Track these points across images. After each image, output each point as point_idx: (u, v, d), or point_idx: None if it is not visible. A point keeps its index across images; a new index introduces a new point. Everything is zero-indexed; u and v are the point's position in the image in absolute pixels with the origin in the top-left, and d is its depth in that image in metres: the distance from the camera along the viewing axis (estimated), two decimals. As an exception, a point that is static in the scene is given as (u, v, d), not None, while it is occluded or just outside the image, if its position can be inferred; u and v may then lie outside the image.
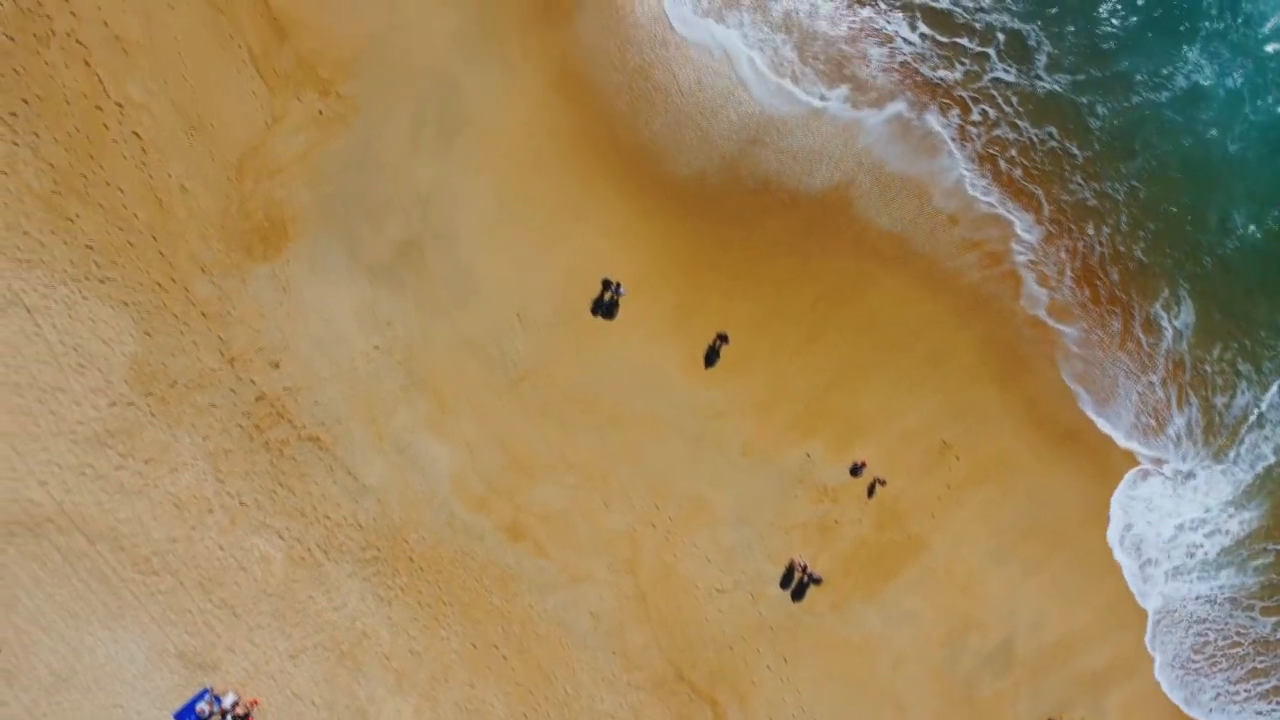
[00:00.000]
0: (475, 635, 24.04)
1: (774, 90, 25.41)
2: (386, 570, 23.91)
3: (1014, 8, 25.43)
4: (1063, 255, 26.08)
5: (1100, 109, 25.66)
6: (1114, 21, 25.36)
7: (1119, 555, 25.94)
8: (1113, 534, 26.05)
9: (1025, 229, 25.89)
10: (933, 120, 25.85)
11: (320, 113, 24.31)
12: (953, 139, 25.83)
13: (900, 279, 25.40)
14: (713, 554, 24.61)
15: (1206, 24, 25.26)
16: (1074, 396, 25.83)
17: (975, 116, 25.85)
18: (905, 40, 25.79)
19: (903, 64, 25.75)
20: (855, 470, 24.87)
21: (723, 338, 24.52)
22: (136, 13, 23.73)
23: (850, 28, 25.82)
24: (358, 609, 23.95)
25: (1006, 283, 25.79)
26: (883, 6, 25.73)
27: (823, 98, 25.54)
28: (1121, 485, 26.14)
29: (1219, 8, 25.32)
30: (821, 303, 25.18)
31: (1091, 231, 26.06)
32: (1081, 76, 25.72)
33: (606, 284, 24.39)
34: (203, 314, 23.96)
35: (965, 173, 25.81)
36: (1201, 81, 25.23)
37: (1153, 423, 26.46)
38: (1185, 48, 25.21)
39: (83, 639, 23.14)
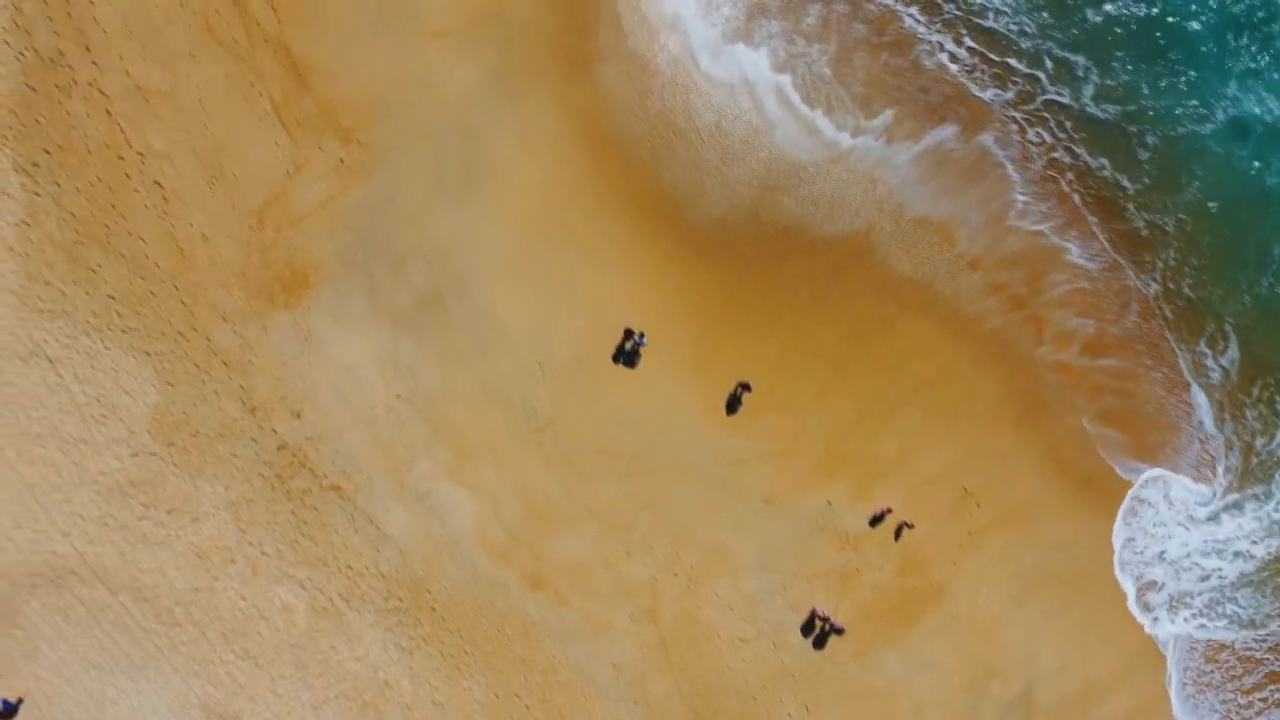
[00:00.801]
0: (498, 685, 24.03)
1: (799, 128, 25.18)
2: (409, 620, 23.89)
3: (1060, 36, 25.32)
4: (1118, 286, 26.24)
5: (1149, 139, 25.56)
6: (1159, 53, 25.38)
7: (1132, 600, 25.89)
8: (1127, 578, 26.04)
9: (1083, 257, 25.90)
10: (989, 140, 25.82)
11: (341, 161, 24.27)
12: (1011, 160, 25.67)
13: (921, 325, 25.33)
14: (735, 602, 24.60)
15: (1244, 61, 25.27)
16: (1095, 442, 25.83)
17: (1033, 137, 25.81)
18: (953, 55, 25.69)
19: (953, 81, 25.59)
20: (877, 518, 24.88)
21: (745, 386, 24.49)
22: (158, 62, 23.69)
23: (894, 37, 25.55)
24: (380, 659, 23.94)
25: (1028, 328, 25.71)
26: (927, 20, 25.49)
27: (855, 131, 25.34)
28: (1136, 521, 26.12)
29: (1257, 46, 25.31)
30: (842, 349, 25.11)
31: (1146, 263, 26.17)
32: (1131, 107, 25.49)
33: (629, 333, 24.35)
34: (224, 363, 23.93)
35: (1020, 197, 25.52)
36: (1242, 115, 25.27)
37: (1190, 466, 26.39)
38: (1225, 82, 25.22)
39: (106, 691, 23.11)
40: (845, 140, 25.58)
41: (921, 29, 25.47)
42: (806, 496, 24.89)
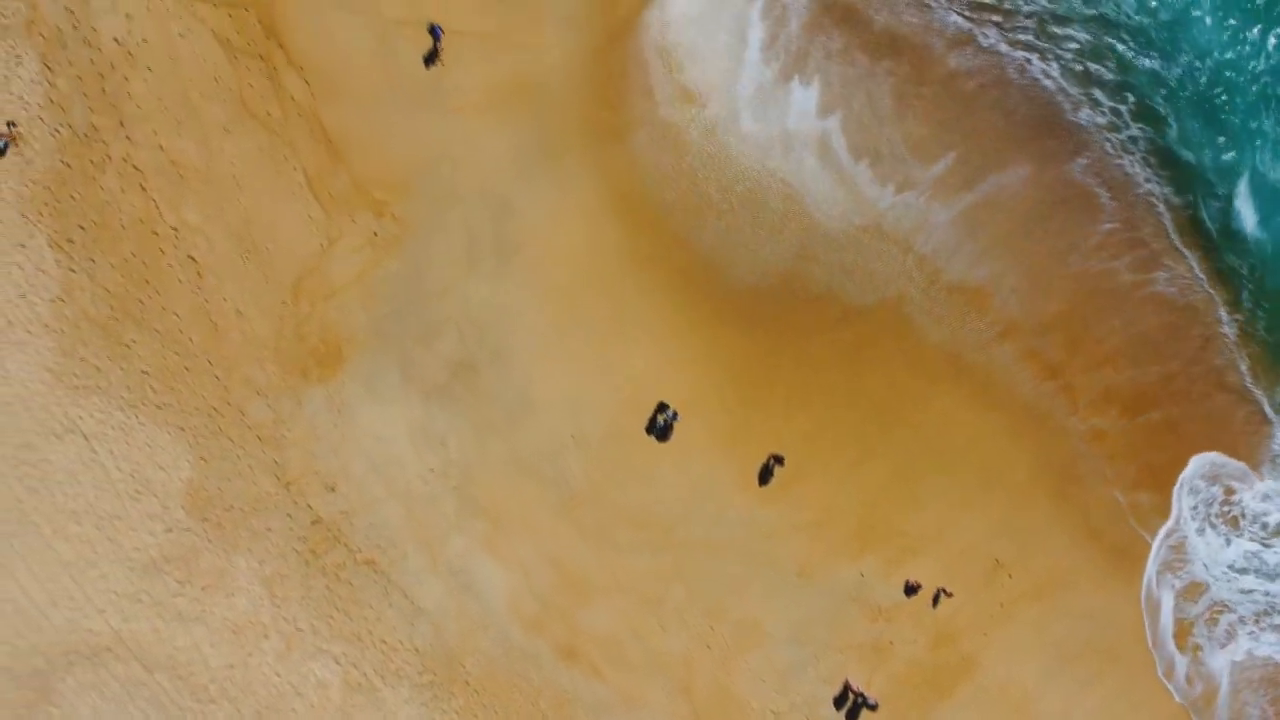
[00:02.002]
0: (531, 759, 24.03)
1: (837, 187, 24.53)
2: (443, 694, 23.84)
3: (1134, 81, 25.58)
4: (1192, 329, 26.20)
5: (1228, 179, 25.94)
6: (1227, 95, 25.79)
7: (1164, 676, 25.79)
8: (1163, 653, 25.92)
9: (1168, 285, 25.81)
10: (1077, 169, 25.48)
11: (375, 234, 24.23)
12: (1105, 188, 25.53)
13: (953, 395, 25.21)
14: (767, 675, 24.53)
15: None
16: (1127, 511, 25.74)
17: (1126, 166, 25.79)
18: (1045, 71, 25.56)
19: (1046, 103, 25.45)
20: (910, 590, 24.82)
21: (778, 459, 24.42)
22: (192, 137, 23.65)
23: (975, 60, 25.38)
24: (414, 733, 23.95)
25: (1061, 397, 25.58)
26: (1012, 39, 25.44)
27: (900, 186, 25.02)
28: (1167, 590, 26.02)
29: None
30: (874, 421, 25.02)
31: (1229, 302, 26.31)
32: (1207, 152, 25.87)
33: (662, 407, 24.28)
34: (258, 437, 23.89)
35: (1107, 226, 25.39)
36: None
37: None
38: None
39: (141, 767, 23.13)
40: (886, 198, 25.29)
41: (1005, 46, 25.37)
42: (839, 568, 24.82)
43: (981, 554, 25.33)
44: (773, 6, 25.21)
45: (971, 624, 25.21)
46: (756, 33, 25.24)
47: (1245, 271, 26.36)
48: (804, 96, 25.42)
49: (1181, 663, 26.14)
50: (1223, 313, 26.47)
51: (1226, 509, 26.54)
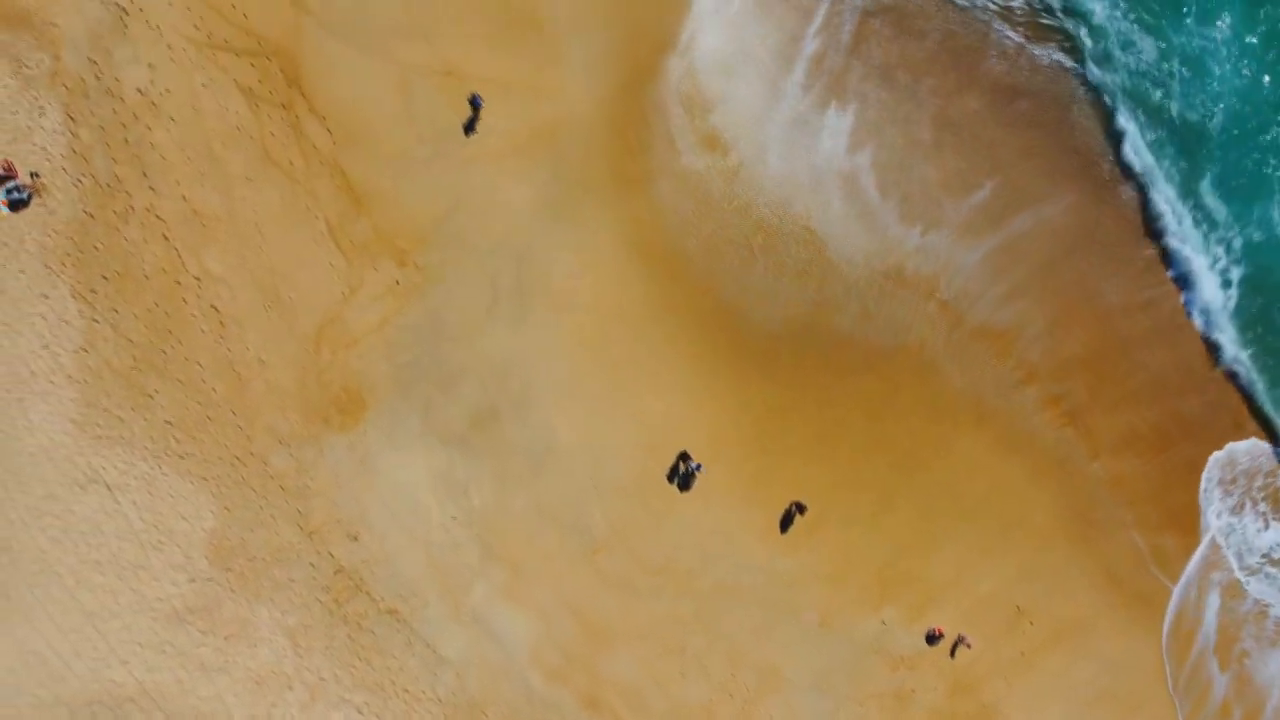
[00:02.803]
0: (554, 809, 24.02)
1: (863, 227, 24.41)
2: (465, 744, 23.91)
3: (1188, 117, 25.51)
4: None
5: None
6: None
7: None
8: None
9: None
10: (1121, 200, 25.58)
11: (397, 283, 24.21)
12: (1141, 221, 25.51)
13: (974, 440, 25.17)
14: (789, 724, 24.61)
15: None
16: (1148, 556, 25.77)
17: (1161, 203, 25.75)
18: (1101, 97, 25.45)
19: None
20: (931, 639, 24.84)
21: (800, 507, 24.40)
22: (215, 187, 23.62)
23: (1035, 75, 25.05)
24: (436, 782, 23.94)
25: (1082, 443, 25.68)
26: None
27: (929, 225, 24.78)
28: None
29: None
30: (895, 469, 25.01)
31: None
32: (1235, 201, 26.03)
33: (685, 458, 24.32)
34: (281, 487, 23.90)
35: (1147, 257, 25.78)
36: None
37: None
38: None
39: (164, 818, 23.14)
40: (913, 239, 25.10)
41: (1064, 63, 25.14)
42: (860, 617, 24.83)
43: (1003, 601, 25.32)
44: (829, 24, 24.95)
45: (993, 672, 25.21)
46: (808, 49, 24.88)
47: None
48: (838, 125, 25.13)
49: (1221, 683, 25.90)
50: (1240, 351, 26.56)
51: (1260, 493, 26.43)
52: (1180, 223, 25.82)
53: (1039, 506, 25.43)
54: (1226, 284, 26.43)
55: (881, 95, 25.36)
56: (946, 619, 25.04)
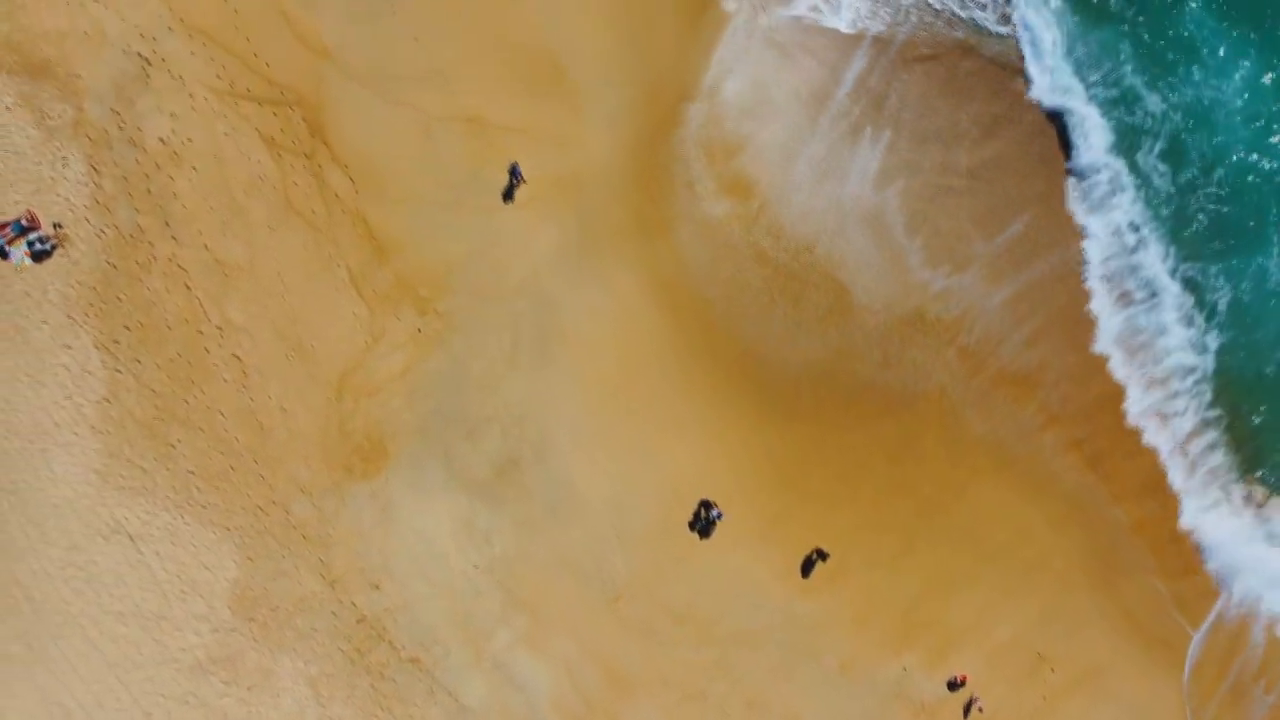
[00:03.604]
0: None
1: (887, 269, 24.11)
2: (487, 793, 23.90)
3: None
4: None
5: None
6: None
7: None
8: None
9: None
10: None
11: (419, 331, 24.24)
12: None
13: (995, 486, 25.12)
14: (810, 771, 24.61)
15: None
16: (1169, 601, 25.81)
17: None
18: None
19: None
20: (953, 685, 24.87)
21: (822, 555, 24.43)
22: (237, 236, 23.64)
23: None
24: (458, 832, 23.92)
25: (1103, 487, 25.76)
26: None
27: (955, 266, 24.72)
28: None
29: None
30: (916, 514, 24.97)
31: None
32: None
33: (707, 505, 24.36)
34: (303, 536, 23.91)
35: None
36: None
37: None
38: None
39: None
40: (938, 281, 25.01)
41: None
42: (881, 663, 24.85)
43: (1024, 646, 25.33)
44: (856, 71, 25.03)
45: (1015, 717, 25.27)
46: (833, 95, 24.82)
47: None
48: (864, 167, 24.96)
49: (1263, 706, 25.77)
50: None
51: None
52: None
53: (1060, 551, 25.44)
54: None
55: (908, 137, 25.35)
56: (968, 664, 25.05)
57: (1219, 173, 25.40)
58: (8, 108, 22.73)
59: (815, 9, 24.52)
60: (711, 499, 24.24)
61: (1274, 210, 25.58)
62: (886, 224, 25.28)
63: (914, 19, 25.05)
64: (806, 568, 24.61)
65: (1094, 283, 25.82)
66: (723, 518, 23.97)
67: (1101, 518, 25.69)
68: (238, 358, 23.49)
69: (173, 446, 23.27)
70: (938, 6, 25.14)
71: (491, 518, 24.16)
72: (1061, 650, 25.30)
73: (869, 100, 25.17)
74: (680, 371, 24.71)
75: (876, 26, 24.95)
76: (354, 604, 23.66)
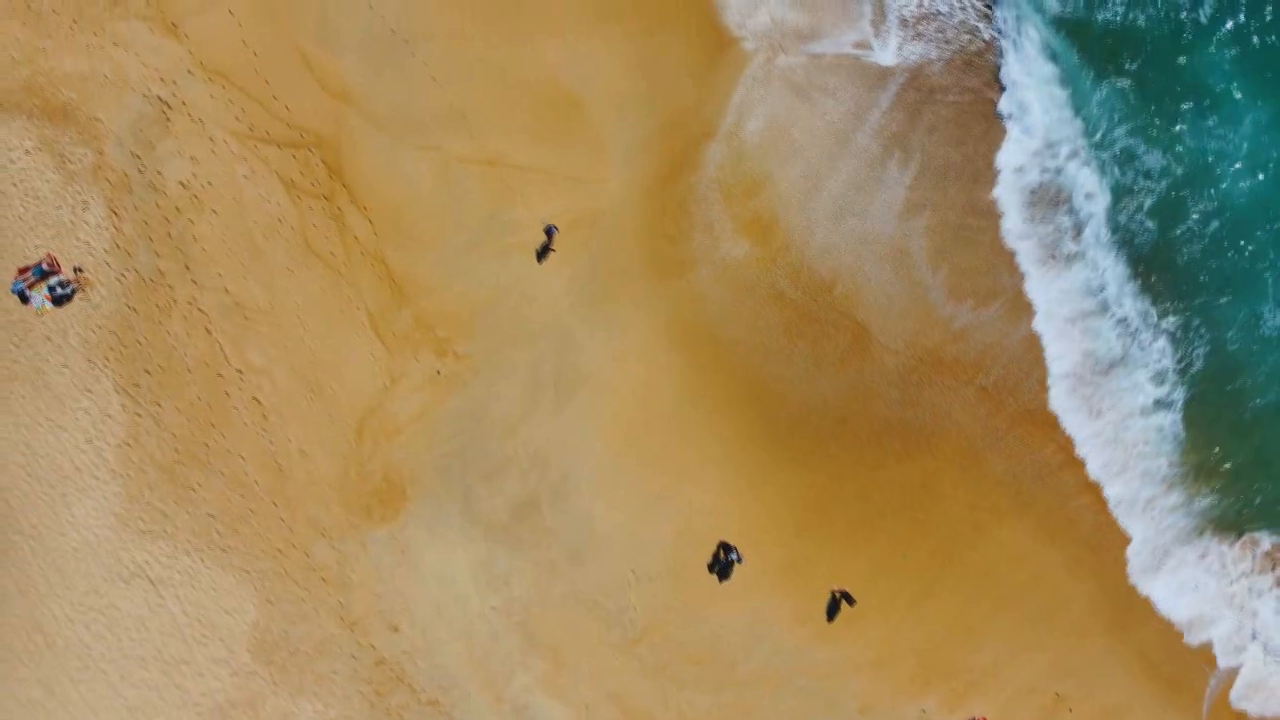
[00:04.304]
0: None
1: (908, 305, 24.32)
2: (507, 836, 23.92)
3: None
4: None
5: None
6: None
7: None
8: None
9: None
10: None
11: (438, 373, 24.26)
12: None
13: (1014, 530, 25.05)
14: (830, 814, 24.61)
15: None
16: (1185, 639, 25.87)
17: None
18: None
19: None
20: (973, 728, 24.89)
21: (848, 598, 24.31)
22: (257, 279, 23.67)
23: None
24: None
25: (1118, 529, 25.82)
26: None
27: (981, 299, 24.66)
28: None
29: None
30: (935, 557, 24.95)
31: None
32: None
33: (727, 548, 24.38)
34: (323, 579, 23.95)
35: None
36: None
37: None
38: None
39: None
40: (961, 316, 24.88)
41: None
42: (901, 706, 24.81)
43: (1043, 690, 25.29)
44: (881, 110, 24.98)
45: (1033, 760, 25.29)
46: (857, 134, 24.81)
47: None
48: (890, 194, 24.84)
49: None
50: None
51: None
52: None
53: (1078, 593, 25.37)
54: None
55: (929, 174, 25.32)
56: (987, 706, 25.03)
57: (1214, 224, 25.29)
58: (28, 151, 22.77)
59: (861, 44, 24.44)
60: (731, 541, 24.24)
61: (1271, 255, 25.42)
62: (907, 261, 25.20)
63: (938, 65, 25.10)
64: (832, 610, 24.63)
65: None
66: (743, 562, 23.97)
67: (1118, 560, 25.69)
68: (257, 400, 23.51)
69: (193, 490, 23.31)
70: (960, 56, 25.22)
71: (510, 560, 24.17)
72: (1079, 691, 25.28)
73: (889, 139, 25.11)
74: (698, 413, 24.68)
75: (906, 63, 24.97)
76: (373, 647, 23.69)
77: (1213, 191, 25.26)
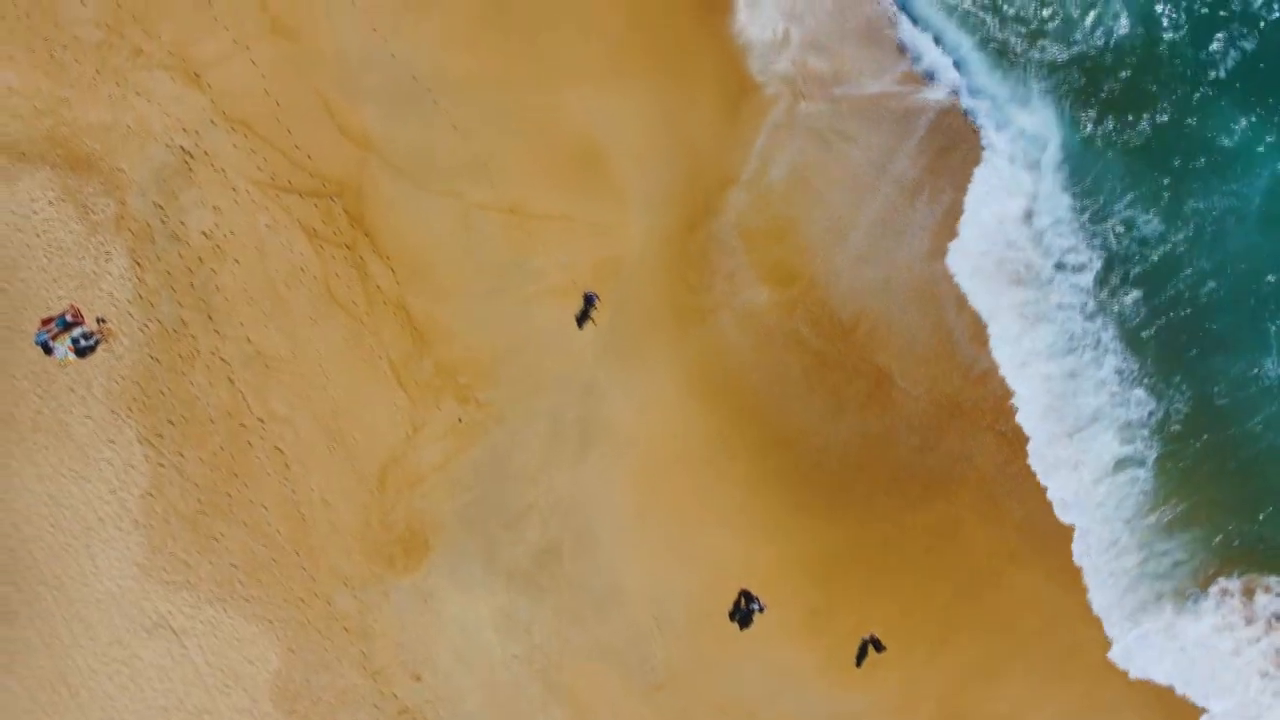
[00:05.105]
0: None
1: (927, 361, 24.82)
2: None
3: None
4: None
5: None
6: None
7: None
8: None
9: None
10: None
11: (460, 421, 24.29)
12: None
13: (1030, 576, 24.89)
14: None
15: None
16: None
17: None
18: None
19: None
20: (992, 776, 24.95)
21: (877, 644, 24.24)
22: (279, 329, 23.68)
23: None
24: None
25: (1132, 573, 25.88)
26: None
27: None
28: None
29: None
30: (954, 604, 24.93)
31: None
32: None
33: (748, 597, 24.43)
34: (345, 628, 24.00)
35: None
36: None
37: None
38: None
39: None
40: (982, 360, 24.97)
41: None
42: (921, 753, 25.00)
43: (1063, 735, 25.51)
44: (903, 158, 25.10)
45: (1054, 807, 25.38)
46: (882, 184, 24.89)
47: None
48: (912, 238, 24.95)
49: None
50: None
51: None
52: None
53: (1094, 640, 25.50)
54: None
55: (950, 218, 25.39)
56: (1008, 754, 25.18)
57: (1211, 284, 25.07)
58: (51, 202, 22.81)
59: (907, 80, 24.44)
60: (752, 589, 24.32)
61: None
62: (931, 305, 25.28)
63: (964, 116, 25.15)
64: (860, 655, 24.72)
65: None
66: (764, 610, 24.04)
67: (1137, 605, 25.76)
68: (280, 450, 23.55)
69: (216, 540, 23.36)
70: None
71: (532, 608, 24.22)
72: (1099, 738, 25.42)
73: (911, 184, 25.19)
74: (719, 460, 24.73)
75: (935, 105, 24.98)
76: (395, 695, 23.75)
77: (1220, 248, 25.21)
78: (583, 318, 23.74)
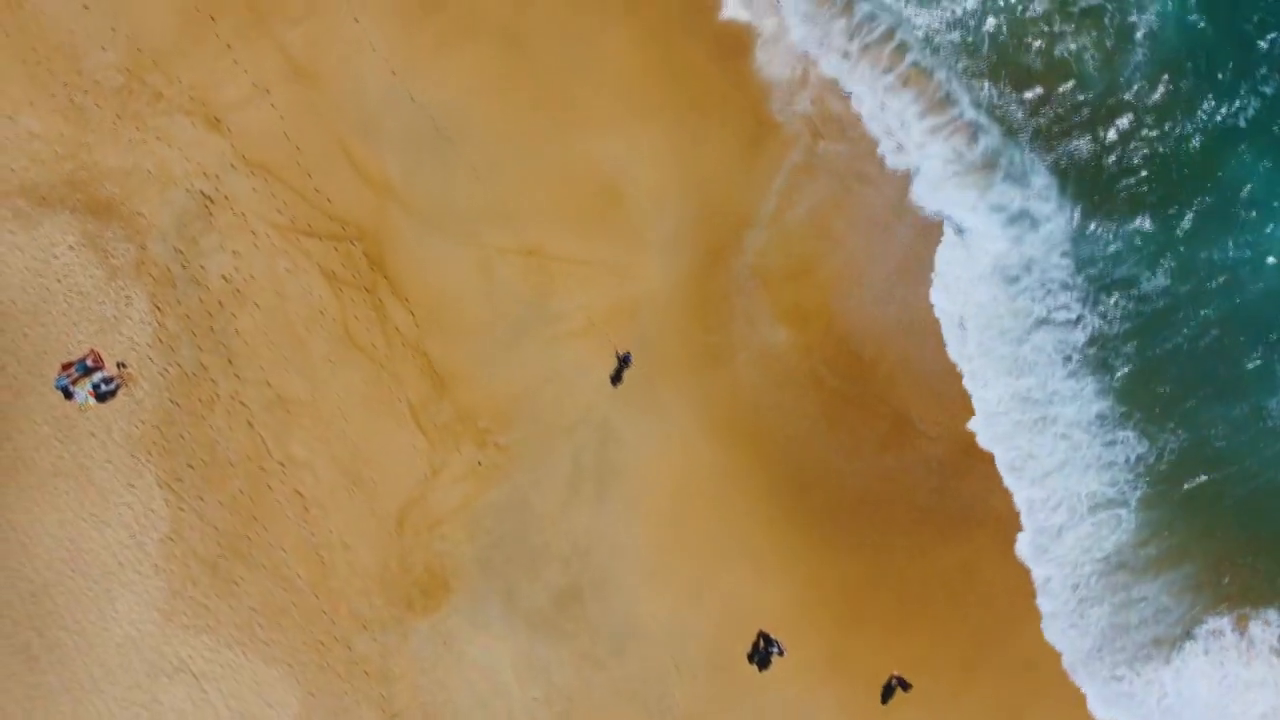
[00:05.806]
0: None
1: (944, 398, 25.02)
2: None
3: None
4: None
5: None
6: None
7: None
8: None
9: None
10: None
11: (479, 463, 24.34)
12: None
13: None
14: None
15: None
16: None
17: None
18: None
19: None
20: (1012, 819, 24.94)
21: (904, 684, 24.20)
22: (299, 372, 23.72)
23: None
24: None
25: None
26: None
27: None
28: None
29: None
30: (972, 646, 24.88)
31: None
32: None
33: (767, 640, 24.46)
34: (365, 672, 24.03)
35: None
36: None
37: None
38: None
39: None
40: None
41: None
42: (941, 795, 25.01)
43: (1084, 777, 25.50)
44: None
45: None
46: (898, 224, 24.73)
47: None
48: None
49: None
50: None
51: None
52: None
53: (1117, 679, 25.55)
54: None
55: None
56: (1028, 796, 25.18)
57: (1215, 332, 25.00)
58: (71, 247, 22.87)
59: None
60: (770, 632, 24.34)
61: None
62: (948, 345, 25.30)
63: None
64: (886, 695, 24.75)
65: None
66: (783, 654, 24.07)
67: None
68: (299, 493, 23.60)
69: (235, 583, 23.40)
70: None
71: (552, 650, 24.24)
72: (1121, 780, 25.39)
73: (927, 227, 25.22)
74: (737, 502, 24.74)
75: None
76: (415, 739, 23.77)
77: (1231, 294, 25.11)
78: (616, 378, 23.78)
